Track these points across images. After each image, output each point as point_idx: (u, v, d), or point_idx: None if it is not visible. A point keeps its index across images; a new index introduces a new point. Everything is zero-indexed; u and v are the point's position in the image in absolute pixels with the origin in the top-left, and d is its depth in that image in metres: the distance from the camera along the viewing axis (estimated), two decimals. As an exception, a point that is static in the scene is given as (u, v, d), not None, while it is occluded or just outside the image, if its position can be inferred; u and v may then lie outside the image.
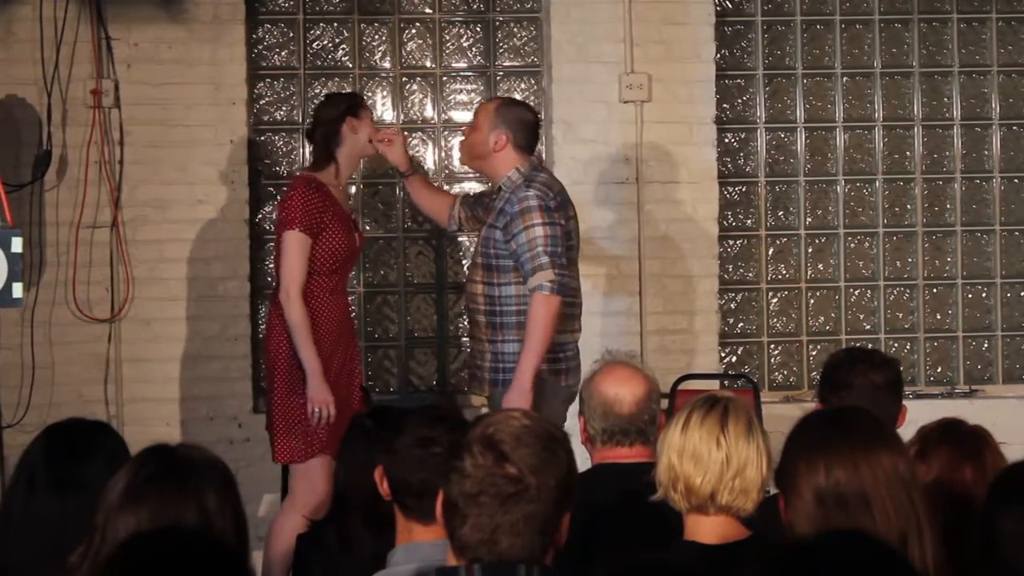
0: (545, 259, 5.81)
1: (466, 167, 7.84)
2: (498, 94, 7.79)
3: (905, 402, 4.76)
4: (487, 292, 5.99)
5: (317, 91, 7.79)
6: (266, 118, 7.77)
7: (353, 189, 7.83)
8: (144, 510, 2.87)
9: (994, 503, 3.05)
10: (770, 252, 8.03)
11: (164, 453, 3.00)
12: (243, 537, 2.96)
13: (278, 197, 7.30)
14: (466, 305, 6.21)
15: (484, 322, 6.00)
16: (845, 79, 8.07)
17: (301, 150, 7.80)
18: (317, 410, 5.99)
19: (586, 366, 7.01)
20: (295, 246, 6.07)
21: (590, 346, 7.37)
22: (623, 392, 4.39)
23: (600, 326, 7.51)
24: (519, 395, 5.75)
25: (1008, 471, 3.22)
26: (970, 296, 8.11)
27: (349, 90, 7.53)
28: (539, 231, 5.82)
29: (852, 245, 8.07)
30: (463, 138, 6.26)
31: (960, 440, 3.66)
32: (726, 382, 7.77)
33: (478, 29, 7.92)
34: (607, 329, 7.51)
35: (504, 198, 5.96)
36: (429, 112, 7.90)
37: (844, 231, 8.05)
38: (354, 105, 6.27)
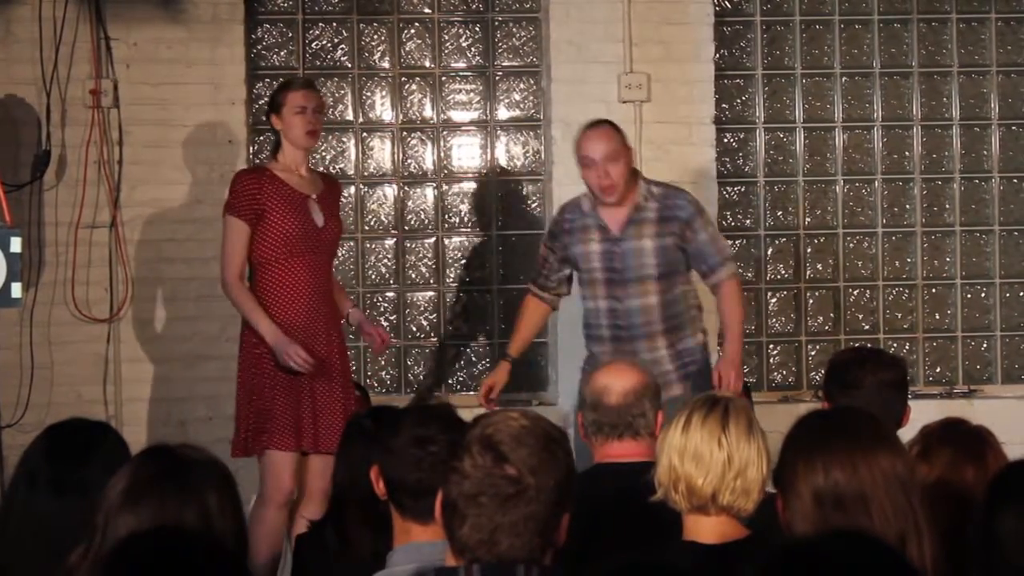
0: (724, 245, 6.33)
1: (464, 168, 7.87)
2: (498, 93, 7.81)
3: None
4: (664, 300, 6.16)
5: (316, 91, 7.79)
6: (265, 118, 7.75)
7: (352, 189, 7.84)
8: (145, 510, 2.87)
9: (993, 501, 3.04)
10: (769, 252, 8.03)
11: (165, 453, 2.99)
12: (243, 538, 2.96)
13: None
14: (626, 323, 6.17)
15: (662, 329, 6.16)
16: (844, 79, 8.07)
17: (300, 150, 7.79)
18: (294, 365, 5.99)
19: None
20: (229, 231, 6.17)
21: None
22: (611, 382, 4.40)
23: (599, 326, 7.51)
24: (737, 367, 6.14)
25: (1007, 469, 3.22)
26: (969, 296, 8.11)
27: (321, 83, 7.41)
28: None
29: (851, 245, 8.07)
30: (607, 180, 6.09)
31: (962, 441, 3.65)
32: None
33: (477, 29, 7.92)
34: (606, 329, 7.51)
35: (652, 208, 6.13)
36: (428, 112, 7.91)
37: (843, 231, 8.05)
38: (276, 102, 6.34)
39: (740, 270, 7.93)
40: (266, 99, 7.61)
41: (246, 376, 6.20)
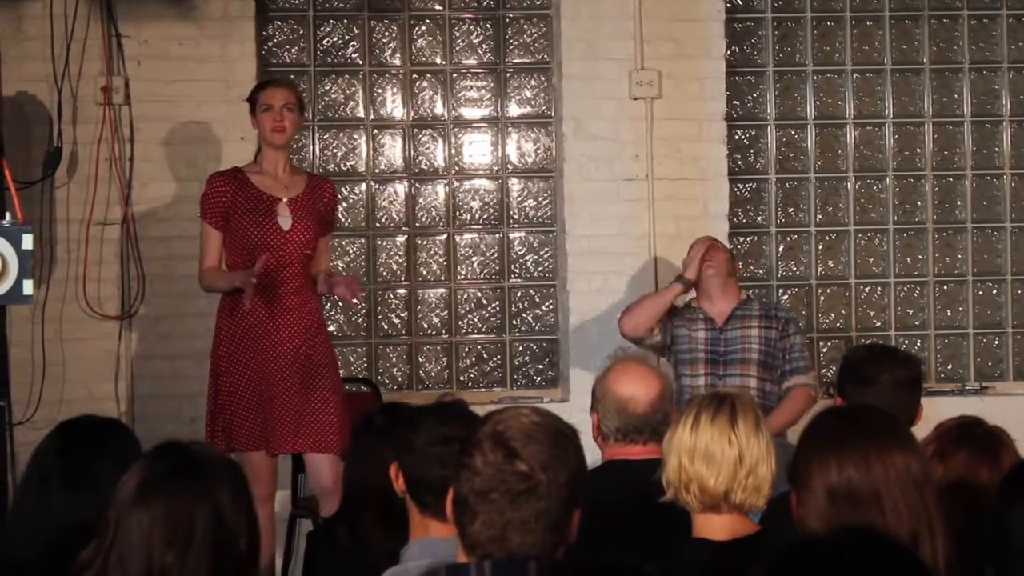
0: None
1: (475, 164, 7.87)
2: (507, 91, 7.81)
3: (917, 399, 4.78)
4: (762, 386, 6.60)
5: (327, 88, 7.79)
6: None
7: (363, 186, 7.84)
8: (157, 506, 2.87)
9: (1005, 496, 3.04)
10: (780, 249, 8.02)
11: (177, 450, 3.00)
12: (255, 535, 2.96)
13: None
14: None
15: None
16: (855, 75, 8.06)
17: (311, 147, 7.80)
18: (249, 283, 5.99)
19: (595, 362, 7.04)
20: (201, 234, 6.33)
21: (602, 343, 7.39)
22: (638, 392, 4.40)
23: (612, 323, 7.50)
24: None
25: (1020, 464, 3.22)
26: (980, 293, 8.10)
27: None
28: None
29: (862, 242, 8.05)
30: (716, 260, 6.77)
31: (977, 441, 3.65)
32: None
33: (488, 26, 7.92)
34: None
35: (756, 307, 6.76)
36: (439, 109, 7.90)
37: (854, 228, 8.04)
38: (251, 101, 6.41)
39: (751, 267, 7.94)
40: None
41: (212, 373, 6.27)
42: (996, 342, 8.11)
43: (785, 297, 8.01)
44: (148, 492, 2.89)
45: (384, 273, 7.87)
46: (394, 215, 7.89)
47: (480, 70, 7.92)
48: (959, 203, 8.10)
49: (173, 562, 2.83)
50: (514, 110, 7.90)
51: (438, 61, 7.91)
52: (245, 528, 2.92)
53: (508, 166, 7.89)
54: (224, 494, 2.91)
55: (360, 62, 7.87)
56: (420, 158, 7.89)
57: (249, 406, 6.14)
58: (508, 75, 7.91)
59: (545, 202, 7.88)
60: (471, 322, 7.89)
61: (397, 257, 7.88)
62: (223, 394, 6.18)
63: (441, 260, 7.89)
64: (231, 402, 6.16)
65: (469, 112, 7.90)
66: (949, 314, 8.10)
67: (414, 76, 7.90)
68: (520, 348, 7.89)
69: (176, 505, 2.87)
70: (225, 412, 6.17)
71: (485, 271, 7.90)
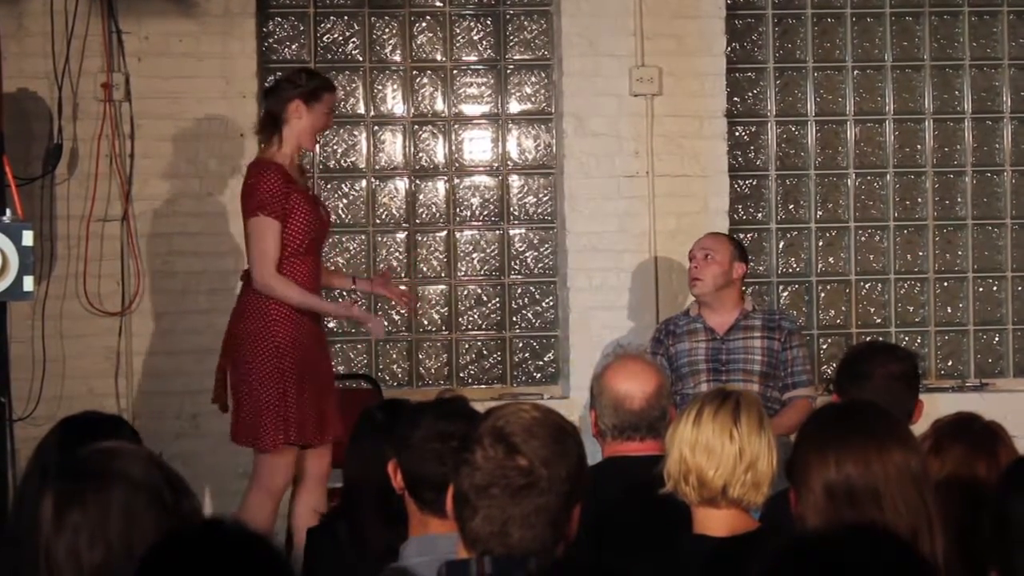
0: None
1: (476, 161, 7.87)
2: (508, 90, 7.81)
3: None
4: (764, 395, 6.59)
5: (327, 85, 7.78)
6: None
7: (364, 182, 7.84)
8: (76, 515, 2.81)
9: (1006, 488, 3.04)
10: (780, 246, 8.02)
11: (69, 466, 2.97)
12: (184, 487, 2.91)
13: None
14: None
15: None
16: (856, 72, 8.05)
17: (311, 144, 7.80)
18: (374, 325, 6.30)
19: (595, 359, 7.05)
20: (267, 231, 6.12)
21: (603, 340, 7.39)
22: (633, 388, 4.40)
23: (612, 320, 7.51)
24: None
25: (1022, 459, 3.22)
26: (981, 290, 8.10)
27: (321, 76, 7.18)
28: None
29: (863, 239, 8.05)
30: (696, 271, 6.74)
31: (974, 436, 3.65)
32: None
33: (488, 22, 7.92)
34: (619, 323, 7.51)
35: (758, 317, 6.74)
36: (439, 106, 7.90)
37: (855, 225, 8.04)
38: (313, 92, 6.28)
39: (751, 264, 7.94)
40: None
41: (280, 369, 6.12)
42: (996, 338, 8.11)
43: (785, 294, 8.01)
44: (64, 508, 2.85)
45: (384, 269, 7.87)
46: (394, 211, 7.89)
47: (480, 67, 7.92)
48: (959, 200, 8.10)
49: (103, 558, 2.78)
50: (514, 107, 7.90)
51: (438, 58, 7.91)
52: (165, 482, 2.87)
53: (508, 163, 7.89)
54: (134, 467, 2.86)
55: (360, 59, 7.87)
56: (420, 154, 7.90)
57: (313, 401, 6.19)
58: (508, 72, 7.91)
59: (545, 199, 7.89)
60: (471, 319, 7.89)
61: (397, 253, 7.89)
62: (294, 387, 6.11)
63: (441, 256, 7.89)
64: (300, 394, 6.13)
65: (469, 109, 7.90)
66: (949, 311, 8.10)
67: (414, 73, 7.90)
68: (520, 345, 7.89)
69: (91, 502, 2.83)
70: (293, 405, 6.11)
71: (485, 268, 7.90)
